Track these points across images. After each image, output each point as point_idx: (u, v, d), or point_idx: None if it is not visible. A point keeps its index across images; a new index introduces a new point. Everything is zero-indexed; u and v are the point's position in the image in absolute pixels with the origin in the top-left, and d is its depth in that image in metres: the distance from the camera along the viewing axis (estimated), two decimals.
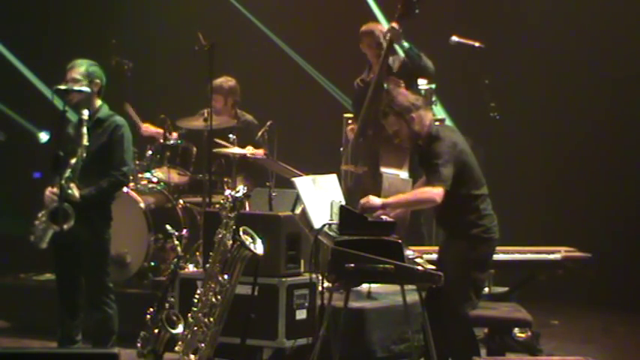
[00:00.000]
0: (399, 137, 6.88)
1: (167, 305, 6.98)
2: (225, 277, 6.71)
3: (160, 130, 9.40)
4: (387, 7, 10.26)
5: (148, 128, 9.63)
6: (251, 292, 6.82)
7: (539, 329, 8.27)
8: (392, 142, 7.18)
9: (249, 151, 9.20)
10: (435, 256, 7.13)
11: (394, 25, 8.60)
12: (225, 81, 9.56)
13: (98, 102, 7.19)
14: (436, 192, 6.61)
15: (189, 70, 10.34)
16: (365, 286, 8.18)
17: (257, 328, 7.18)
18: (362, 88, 8.94)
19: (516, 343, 7.93)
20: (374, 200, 6.67)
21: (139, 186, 9.12)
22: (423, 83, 9.29)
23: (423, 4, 8.48)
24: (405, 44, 8.66)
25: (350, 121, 9.05)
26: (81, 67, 7.12)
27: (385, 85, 8.57)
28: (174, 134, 9.41)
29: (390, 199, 6.74)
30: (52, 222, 6.93)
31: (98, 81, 7.16)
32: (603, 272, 9.62)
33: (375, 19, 9.91)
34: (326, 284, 6.78)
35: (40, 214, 7.09)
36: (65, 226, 6.83)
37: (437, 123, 8.89)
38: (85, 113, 7.00)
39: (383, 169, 8.33)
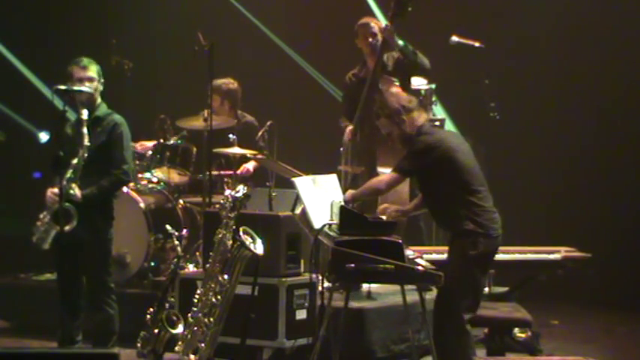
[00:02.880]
0: (392, 139, 6.89)
1: (167, 305, 6.98)
2: (225, 277, 6.72)
3: (154, 142, 9.36)
4: (387, 7, 10.25)
5: (144, 145, 9.49)
6: (251, 292, 6.82)
7: (539, 329, 8.28)
8: (389, 143, 7.20)
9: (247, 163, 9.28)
10: (435, 256, 7.14)
11: (388, 24, 8.60)
12: (226, 83, 9.55)
13: (98, 100, 7.22)
14: (385, 179, 6.90)
15: (189, 70, 10.33)
16: (365, 286, 8.18)
17: (257, 328, 7.18)
18: (353, 82, 8.93)
19: (516, 343, 7.93)
20: (347, 194, 6.90)
21: (139, 186, 9.12)
22: (422, 83, 9.29)
23: (415, 3, 8.47)
24: (400, 42, 8.65)
25: (344, 124, 9.02)
26: (94, 67, 7.15)
27: (380, 85, 8.56)
28: (178, 139, 9.37)
29: (355, 191, 6.98)
30: (55, 223, 6.93)
31: (102, 80, 7.22)
32: (603, 272, 9.65)
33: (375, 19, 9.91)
34: (326, 284, 6.79)
35: (41, 215, 7.09)
36: (68, 227, 6.83)
37: (437, 123, 8.94)
38: (85, 113, 7.01)
39: (380, 169, 8.33)
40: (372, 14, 10.50)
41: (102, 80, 7.20)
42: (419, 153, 6.69)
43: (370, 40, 8.73)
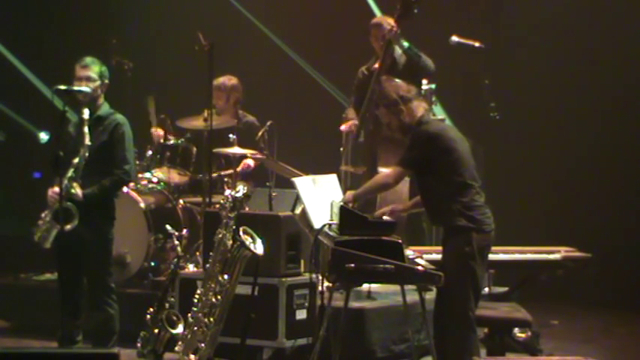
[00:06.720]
0: (391, 128, 6.88)
1: (167, 305, 6.99)
2: (225, 277, 6.72)
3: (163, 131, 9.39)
4: (387, 7, 10.26)
5: (157, 131, 9.52)
6: (251, 292, 6.82)
7: (539, 329, 8.28)
8: (390, 142, 7.18)
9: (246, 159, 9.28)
10: (435, 256, 7.13)
11: (393, 24, 8.61)
12: (228, 79, 9.60)
13: (100, 100, 7.22)
14: (391, 174, 6.83)
15: (189, 70, 10.34)
16: (365, 286, 8.18)
17: (257, 328, 7.18)
18: (366, 76, 8.96)
19: (516, 343, 7.94)
20: (347, 195, 6.83)
21: (139, 186, 9.12)
22: (422, 83, 9.29)
23: (421, 4, 8.50)
24: (405, 44, 8.67)
25: (345, 116, 9.01)
26: (95, 67, 7.16)
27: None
28: (180, 139, 9.39)
29: (358, 190, 6.91)
30: (56, 222, 6.94)
31: (107, 81, 7.22)
32: (603, 272, 9.65)
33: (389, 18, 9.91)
34: (326, 284, 6.79)
35: (43, 214, 7.10)
36: (69, 226, 6.84)
37: None
38: (86, 112, 7.02)
39: (381, 169, 8.34)
40: (372, 14, 10.50)
41: (106, 81, 7.21)
42: (421, 142, 6.65)
43: (382, 44, 8.77)
